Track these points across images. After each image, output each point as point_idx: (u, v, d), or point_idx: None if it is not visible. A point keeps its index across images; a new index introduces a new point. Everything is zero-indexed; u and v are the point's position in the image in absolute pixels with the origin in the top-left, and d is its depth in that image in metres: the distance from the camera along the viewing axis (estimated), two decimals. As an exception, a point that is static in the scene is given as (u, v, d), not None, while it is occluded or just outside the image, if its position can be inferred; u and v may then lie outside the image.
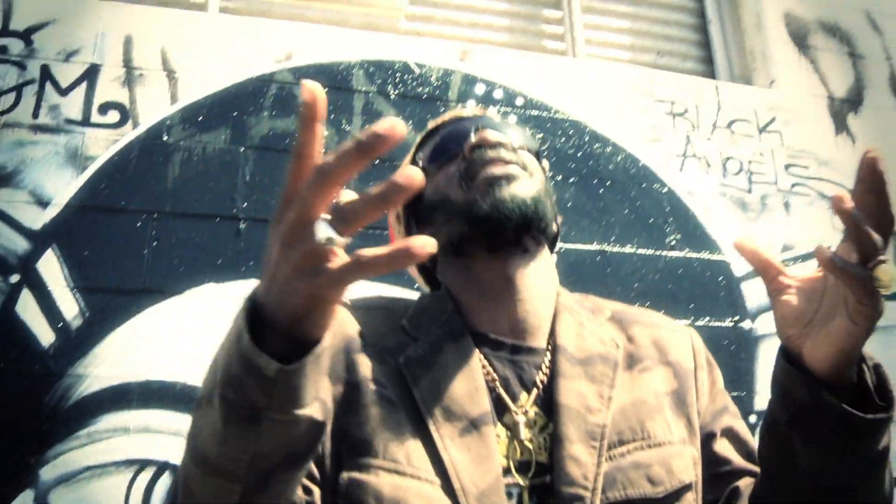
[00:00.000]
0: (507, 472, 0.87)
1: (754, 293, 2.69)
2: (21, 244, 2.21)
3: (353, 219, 0.57)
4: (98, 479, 2.09)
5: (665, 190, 2.74)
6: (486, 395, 0.90)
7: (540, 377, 0.94)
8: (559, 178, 2.65)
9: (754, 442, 1.02)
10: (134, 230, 2.28)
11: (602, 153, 2.73)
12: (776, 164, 2.89)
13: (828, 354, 0.76)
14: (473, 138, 1.02)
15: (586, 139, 2.73)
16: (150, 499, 2.10)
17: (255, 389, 0.63)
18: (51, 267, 2.21)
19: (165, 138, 2.39)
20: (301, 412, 0.65)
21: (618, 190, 2.70)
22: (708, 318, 2.60)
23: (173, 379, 2.18)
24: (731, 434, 1.02)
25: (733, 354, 2.59)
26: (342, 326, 0.96)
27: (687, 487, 0.90)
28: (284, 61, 2.56)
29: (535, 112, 2.72)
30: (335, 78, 2.59)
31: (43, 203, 2.25)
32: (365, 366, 0.92)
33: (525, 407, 0.92)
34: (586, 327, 1.00)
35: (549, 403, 0.92)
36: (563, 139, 2.71)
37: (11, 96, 2.31)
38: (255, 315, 0.63)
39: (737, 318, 2.64)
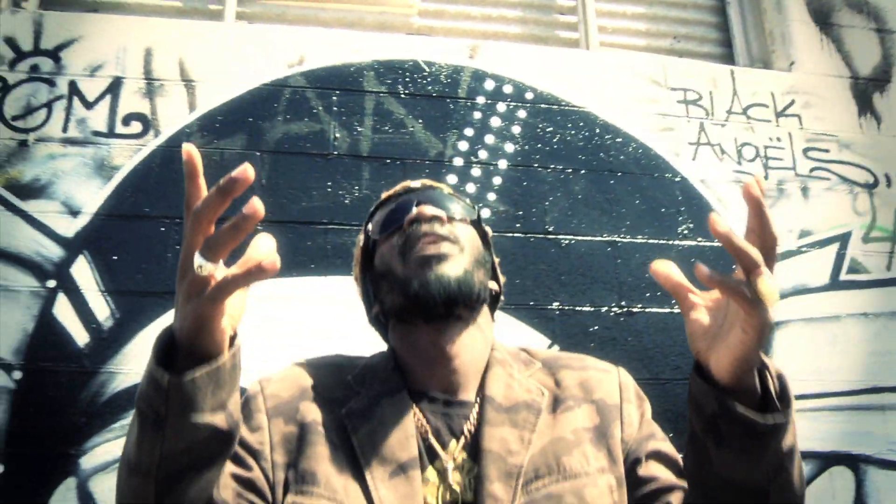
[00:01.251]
0: None
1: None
2: (55, 251, 2.37)
3: (216, 247, 0.74)
4: (130, 469, 2.25)
5: (677, 179, 2.75)
6: (415, 443, 1.02)
7: (468, 426, 1.06)
8: (569, 171, 2.68)
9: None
10: (157, 235, 2.42)
11: (612, 144, 2.75)
12: (794, 148, 2.86)
13: (727, 364, 0.83)
14: (413, 212, 1.13)
15: (597, 131, 2.75)
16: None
17: (156, 398, 0.78)
18: (83, 272, 2.37)
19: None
20: (198, 419, 0.80)
21: (629, 181, 2.71)
22: (720, 307, 2.61)
23: (197, 375, 2.32)
24: (658, 455, 1.09)
25: (746, 342, 2.59)
26: (297, 380, 1.11)
27: None
28: (297, 66, 2.65)
29: (544, 105, 2.75)
30: (346, 80, 2.67)
31: (74, 212, 2.41)
32: (314, 412, 1.06)
33: (454, 453, 1.03)
34: (515, 378, 1.12)
35: (475, 448, 1.03)
36: (574, 131, 2.73)
37: (43, 112, 2.47)
38: (172, 343, 0.81)
39: (750, 306, 2.64)
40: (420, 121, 2.66)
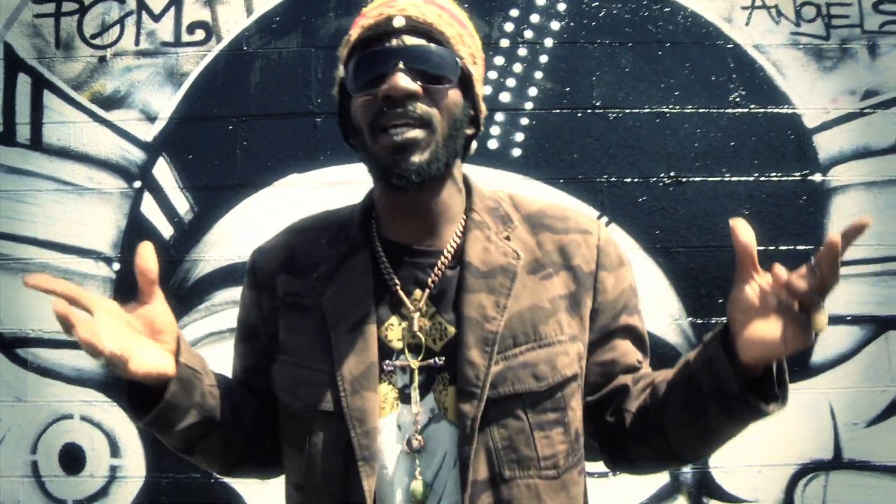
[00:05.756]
0: (400, 354, 1.09)
1: (827, 144, 2.61)
2: (138, 155, 2.64)
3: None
4: (216, 343, 2.55)
5: (730, 46, 2.68)
6: (372, 299, 1.10)
7: (432, 277, 1.12)
8: (615, 45, 2.68)
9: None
10: (226, 133, 2.64)
11: (661, 14, 2.70)
12: (862, 3, 2.71)
13: (756, 356, 0.94)
14: (386, 85, 1.03)
15: (644, 2, 2.70)
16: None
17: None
18: (163, 172, 2.63)
19: (245, 48, 2.69)
20: (174, 430, 1.04)
21: (677, 51, 2.67)
22: (774, 173, 2.58)
23: (268, 259, 2.56)
24: (625, 331, 1.18)
25: (802, 208, 2.57)
26: (280, 250, 1.21)
27: (570, 379, 1.08)
28: (344, -38, 2.74)
29: (590, -20, 2.73)
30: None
31: (151, 118, 2.66)
32: (288, 284, 1.17)
33: (419, 302, 1.11)
34: (492, 241, 1.13)
35: (457, 312, 1.09)
36: (620, 4, 2.70)
37: (116, 29, 2.70)
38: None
39: (806, 171, 2.59)
40: (465, 4, 2.71)
